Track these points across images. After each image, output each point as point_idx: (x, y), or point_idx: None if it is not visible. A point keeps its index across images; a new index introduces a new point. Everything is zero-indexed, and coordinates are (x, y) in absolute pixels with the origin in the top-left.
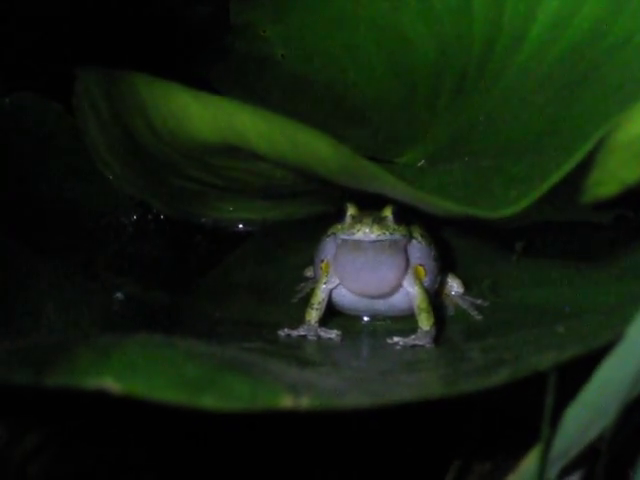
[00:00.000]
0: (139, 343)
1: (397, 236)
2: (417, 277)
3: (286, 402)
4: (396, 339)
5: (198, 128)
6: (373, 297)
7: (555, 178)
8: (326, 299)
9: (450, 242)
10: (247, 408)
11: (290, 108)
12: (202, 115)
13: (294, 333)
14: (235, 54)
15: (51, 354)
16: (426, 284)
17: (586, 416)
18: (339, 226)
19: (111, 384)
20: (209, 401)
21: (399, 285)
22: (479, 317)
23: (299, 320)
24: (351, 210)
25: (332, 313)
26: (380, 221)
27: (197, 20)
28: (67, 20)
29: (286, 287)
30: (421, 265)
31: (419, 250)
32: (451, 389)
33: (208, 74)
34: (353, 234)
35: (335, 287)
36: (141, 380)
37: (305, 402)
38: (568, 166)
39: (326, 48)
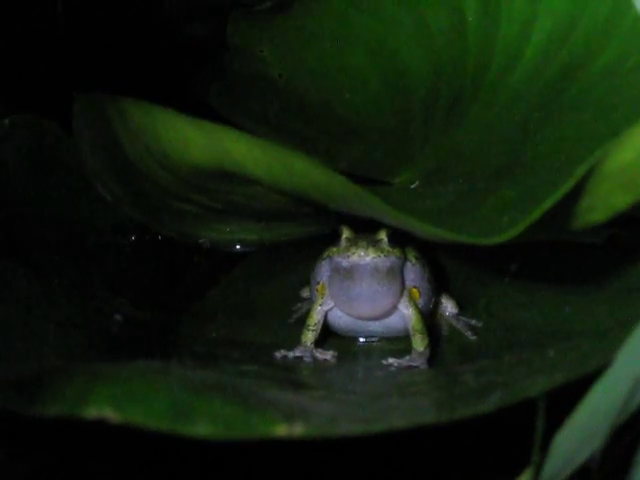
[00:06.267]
0: (135, 371)
1: (392, 258)
2: (412, 299)
3: (280, 431)
4: (391, 360)
5: (195, 154)
6: (368, 319)
7: (546, 205)
8: (322, 321)
9: (444, 263)
10: (241, 436)
11: (287, 127)
12: (199, 142)
13: (290, 355)
14: (232, 73)
15: (48, 382)
16: (420, 305)
17: (576, 440)
18: (334, 249)
19: (110, 414)
20: (202, 429)
21: (394, 307)
22: (473, 338)
23: (295, 341)
24: (346, 233)
25: (328, 334)
26: (375, 244)
27: (194, 40)
28: (66, 40)
29: (283, 308)
30: (415, 287)
31: (413, 272)
32: (444, 416)
33: (205, 93)
34: (348, 257)
35: (331, 309)
36: (138, 409)
37: (299, 430)
38: (559, 193)
39: (322, 68)
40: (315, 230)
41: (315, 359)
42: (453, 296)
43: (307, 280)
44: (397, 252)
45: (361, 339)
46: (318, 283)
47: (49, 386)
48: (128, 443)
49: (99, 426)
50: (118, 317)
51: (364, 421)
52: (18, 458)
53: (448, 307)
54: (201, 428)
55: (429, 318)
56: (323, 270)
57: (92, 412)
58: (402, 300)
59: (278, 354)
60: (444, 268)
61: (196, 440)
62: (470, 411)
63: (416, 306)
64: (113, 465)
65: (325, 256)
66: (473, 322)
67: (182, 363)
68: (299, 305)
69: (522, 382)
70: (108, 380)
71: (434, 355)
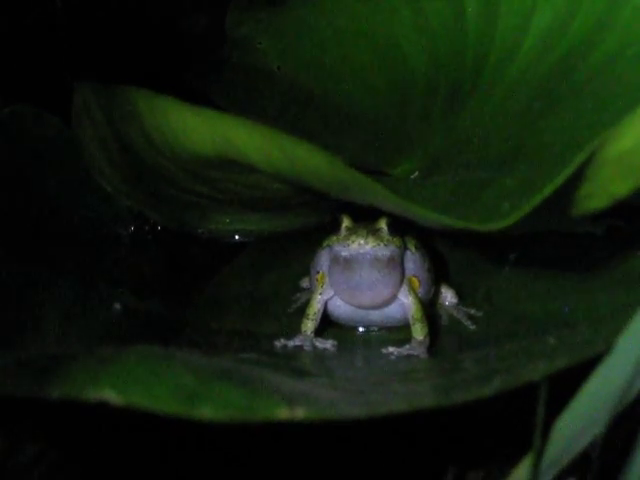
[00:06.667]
0: (138, 355)
1: (392, 247)
2: (411, 288)
3: (282, 413)
4: (391, 349)
5: (195, 142)
6: (368, 308)
7: (547, 191)
8: (321, 310)
9: (444, 252)
10: (244, 419)
11: (285, 119)
12: (200, 129)
13: (290, 343)
14: (231, 66)
15: (52, 366)
16: (420, 294)
17: (577, 425)
18: (334, 237)
19: (111, 395)
20: (207, 412)
21: (394, 296)
22: (473, 327)
23: (295, 330)
24: (346, 222)
25: (328, 323)
26: (375, 233)
27: (193, 32)
28: (65, 32)
29: (282, 297)
30: (415, 276)
31: (413, 261)
32: (444, 400)
33: (204, 85)
34: (348, 246)
35: (330, 298)
36: (140, 391)
37: (301, 413)
38: (560, 180)
39: (321, 60)
40: (314, 220)
41: (315, 348)
42: (453, 286)
43: (306, 270)
44: (397, 241)
45: (361, 328)
46: (318, 272)
47: (51, 370)
48: (128, 436)
49: (101, 412)
50: (117, 307)
51: (365, 405)
52: (19, 448)
53: (448, 297)
54: (205, 411)
55: (429, 308)
56: (323, 259)
57: (94, 394)
58: (402, 289)
59: (278, 343)
60: (444, 258)
61: (197, 425)
62: (471, 395)
63: (416, 295)
64: (114, 456)
65: (325, 245)
66: (473, 312)
67: (182, 351)
68: (298, 295)
69: (523, 368)
70: (110, 363)
71: (434, 344)
